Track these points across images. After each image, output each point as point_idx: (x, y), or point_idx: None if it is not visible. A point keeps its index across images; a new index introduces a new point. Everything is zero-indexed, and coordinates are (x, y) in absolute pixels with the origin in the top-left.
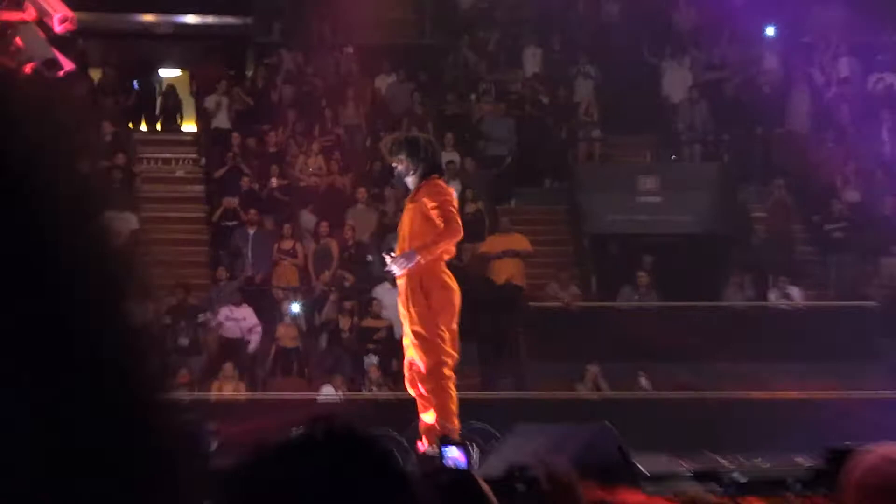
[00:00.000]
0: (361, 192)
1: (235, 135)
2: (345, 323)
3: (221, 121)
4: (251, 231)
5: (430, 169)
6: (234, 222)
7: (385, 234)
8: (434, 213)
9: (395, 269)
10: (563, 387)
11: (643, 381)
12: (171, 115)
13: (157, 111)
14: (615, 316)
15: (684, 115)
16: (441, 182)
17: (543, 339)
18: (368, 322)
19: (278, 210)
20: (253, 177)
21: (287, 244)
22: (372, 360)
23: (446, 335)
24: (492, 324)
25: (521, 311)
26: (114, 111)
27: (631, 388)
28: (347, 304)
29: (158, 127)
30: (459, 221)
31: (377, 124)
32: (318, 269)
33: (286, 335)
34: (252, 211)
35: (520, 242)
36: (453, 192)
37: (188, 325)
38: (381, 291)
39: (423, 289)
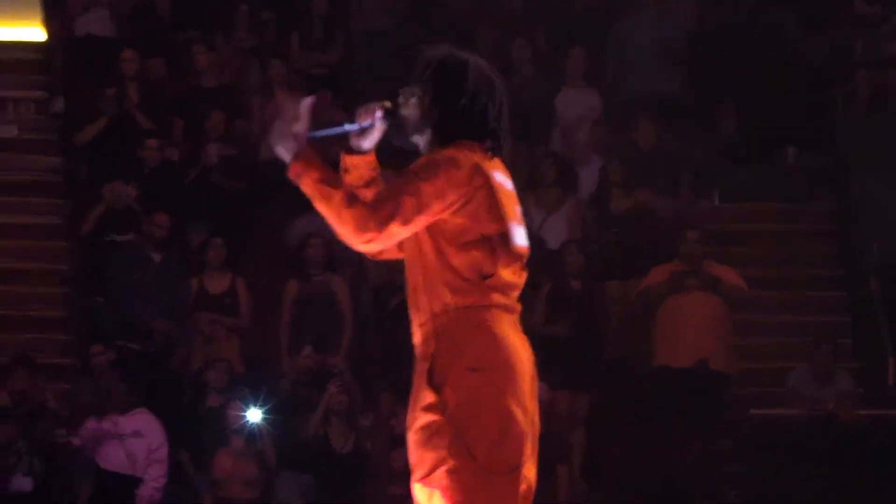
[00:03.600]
0: None
1: (127, 52)
2: (353, 443)
3: (98, 22)
4: (155, 257)
5: (467, 129)
6: (126, 236)
7: None
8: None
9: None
10: None
11: None
12: None
13: None
14: None
15: None
16: (463, 151)
17: (782, 487)
18: None
19: (220, 211)
20: (166, 139)
21: (216, 282)
22: None
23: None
24: (665, 453)
25: (734, 427)
26: None
27: None
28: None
29: None
30: (398, 209)
31: (417, 29)
32: (299, 334)
33: (232, 475)
34: (160, 215)
35: (724, 273)
36: (470, 170)
37: (30, 447)
38: None
39: (433, 365)
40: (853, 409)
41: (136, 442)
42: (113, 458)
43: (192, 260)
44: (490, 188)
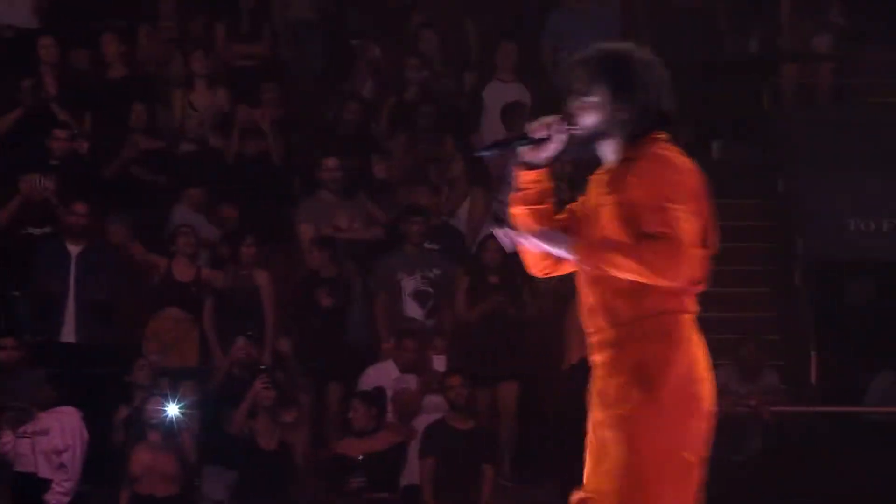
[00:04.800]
0: (329, 166)
1: (44, 40)
2: (278, 439)
3: (17, 11)
4: (73, 249)
5: (651, 120)
6: (43, 229)
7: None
8: (643, 217)
9: (505, 240)
10: None
11: None
12: None
13: None
14: (857, 438)
15: None
16: (669, 147)
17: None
18: (346, 445)
19: (143, 202)
20: (82, 131)
21: (183, 269)
22: None
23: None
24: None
25: None
26: None
27: None
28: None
29: None
30: (688, 247)
31: (345, 19)
32: (226, 330)
33: (151, 470)
34: (77, 204)
35: None
36: (693, 172)
37: None
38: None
39: (643, 368)
40: (777, 405)
41: (47, 441)
42: (26, 459)
43: (113, 253)
44: (688, 192)
